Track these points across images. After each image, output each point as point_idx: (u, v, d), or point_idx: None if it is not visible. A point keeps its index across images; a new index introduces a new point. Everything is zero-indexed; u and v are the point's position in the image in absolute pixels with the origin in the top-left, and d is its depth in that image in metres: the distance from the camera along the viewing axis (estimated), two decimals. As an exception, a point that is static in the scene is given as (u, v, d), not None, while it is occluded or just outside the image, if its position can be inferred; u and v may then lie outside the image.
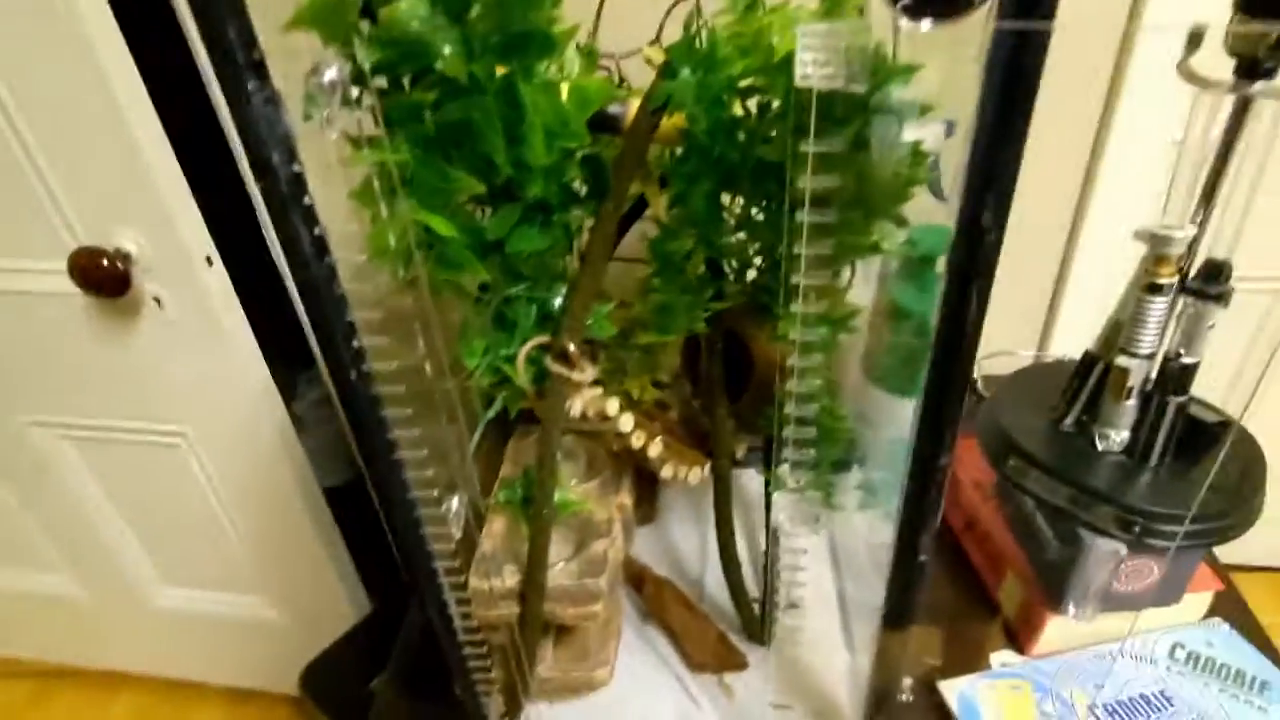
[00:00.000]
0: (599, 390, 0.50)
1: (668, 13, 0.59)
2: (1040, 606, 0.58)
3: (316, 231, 0.32)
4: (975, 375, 0.87)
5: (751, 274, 0.53)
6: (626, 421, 0.51)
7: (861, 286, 0.61)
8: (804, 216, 0.31)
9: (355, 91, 0.31)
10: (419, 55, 0.34)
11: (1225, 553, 0.61)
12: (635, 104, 0.46)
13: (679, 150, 0.44)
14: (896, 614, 0.42)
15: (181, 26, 0.79)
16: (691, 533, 0.73)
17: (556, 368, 0.45)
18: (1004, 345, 0.95)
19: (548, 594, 0.50)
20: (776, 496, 0.40)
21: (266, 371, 0.99)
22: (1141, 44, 0.75)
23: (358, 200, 0.36)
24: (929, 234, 0.56)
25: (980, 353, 0.87)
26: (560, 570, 0.52)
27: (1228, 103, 0.44)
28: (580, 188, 0.46)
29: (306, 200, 0.31)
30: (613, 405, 0.50)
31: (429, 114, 0.37)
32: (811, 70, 0.26)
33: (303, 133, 0.32)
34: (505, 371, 0.48)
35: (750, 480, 0.77)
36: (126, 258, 0.83)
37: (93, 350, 0.95)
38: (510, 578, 0.51)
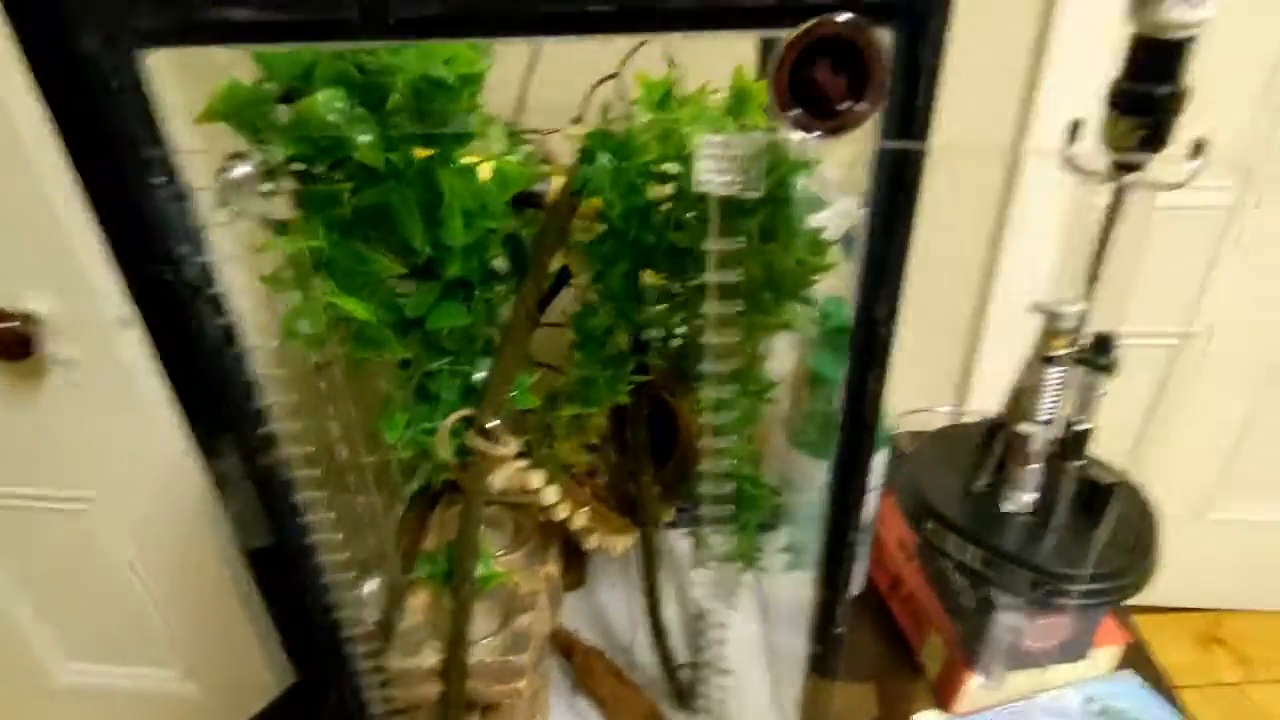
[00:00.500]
0: (522, 463, 0.50)
1: (590, 91, 0.61)
2: (961, 666, 0.59)
3: (222, 321, 0.32)
4: (897, 431, 0.90)
5: (675, 342, 0.55)
6: (551, 494, 0.51)
7: (785, 355, 0.64)
8: (709, 308, 0.32)
9: (268, 186, 0.31)
10: (335, 146, 0.34)
11: (1140, 596, 0.64)
12: (557, 181, 0.48)
13: (598, 230, 0.45)
14: (819, 671, 0.43)
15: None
16: (621, 597, 0.72)
17: (478, 444, 0.45)
18: (924, 401, 0.99)
19: (470, 671, 0.49)
20: (694, 573, 0.41)
21: (182, 437, 0.95)
22: (1036, 132, 0.81)
23: (270, 285, 0.35)
24: (842, 306, 0.59)
25: (900, 409, 0.90)
26: (483, 646, 0.51)
27: (1107, 190, 0.47)
28: (501, 265, 0.46)
29: (215, 290, 0.31)
30: (536, 479, 0.50)
31: (346, 200, 0.37)
32: (712, 178, 0.28)
33: (213, 222, 0.31)
34: (427, 446, 0.48)
35: (679, 541, 0.77)
36: (29, 319, 0.80)
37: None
38: (432, 656, 0.49)
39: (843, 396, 0.34)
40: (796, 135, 0.27)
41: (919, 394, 1.00)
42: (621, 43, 0.63)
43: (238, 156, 0.30)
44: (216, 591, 1.09)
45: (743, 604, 0.71)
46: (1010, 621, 0.54)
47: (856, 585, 0.72)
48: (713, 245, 0.30)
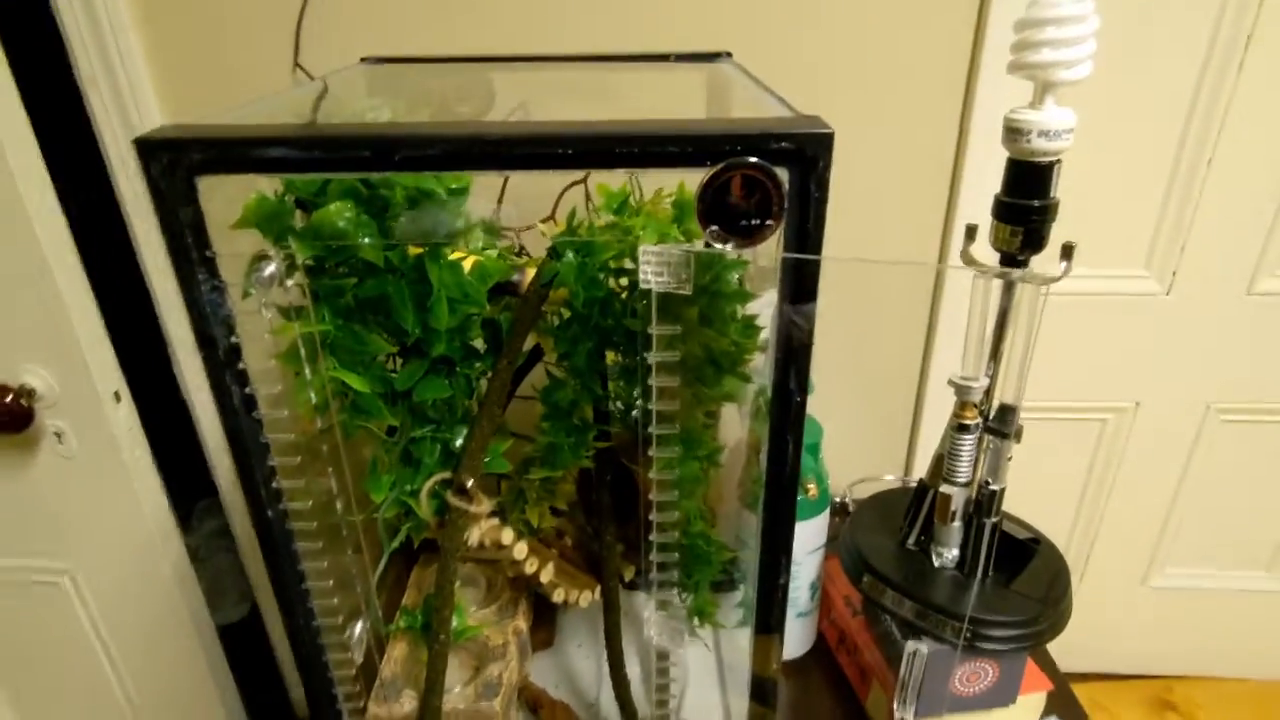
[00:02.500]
0: (495, 521, 0.55)
1: (561, 195, 0.69)
2: (901, 715, 0.64)
3: (247, 390, 0.38)
4: (846, 499, 0.96)
5: (635, 412, 0.61)
6: (520, 550, 0.56)
7: (736, 425, 0.70)
8: (653, 381, 0.39)
9: (289, 282, 0.38)
10: (343, 248, 0.41)
11: (1083, 662, 0.69)
12: (531, 272, 0.55)
13: (564, 315, 0.53)
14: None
15: (109, 168, 0.84)
16: (589, 655, 0.76)
17: (455, 501, 0.50)
18: (872, 471, 1.06)
19: (444, 718, 0.53)
20: (647, 613, 0.46)
21: (165, 502, 0.99)
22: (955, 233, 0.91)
23: (283, 362, 0.42)
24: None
25: (851, 479, 0.97)
26: (457, 694, 0.55)
27: (998, 283, 0.56)
28: (480, 345, 0.53)
29: (240, 365, 0.37)
30: (507, 535, 0.55)
31: (350, 292, 0.44)
32: (651, 278, 0.35)
33: (240, 308, 0.38)
34: (410, 505, 0.53)
35: (644, 604, 0.81)
36: (31, 394, 0.84)
37: (-20, 486, 0.93)
38: (408, 703, 0.53)
39: (765, 463, 0.41)
40: (716, 246, 0.35)
41: (870, 467, 1.07)
42: (588, 152, 0.72)
43: (264, 258, 0.37)
44: (185, 663, 1.10)
45: (699, 661, 0.75)
46: (932, 664, 0.59)
47: (806, 641, 0.77)
48: (654, 330, 0.37)
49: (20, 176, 0.77)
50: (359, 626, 0.46)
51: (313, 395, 0.42)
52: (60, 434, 0.88)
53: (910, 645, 0.55)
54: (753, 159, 0.33)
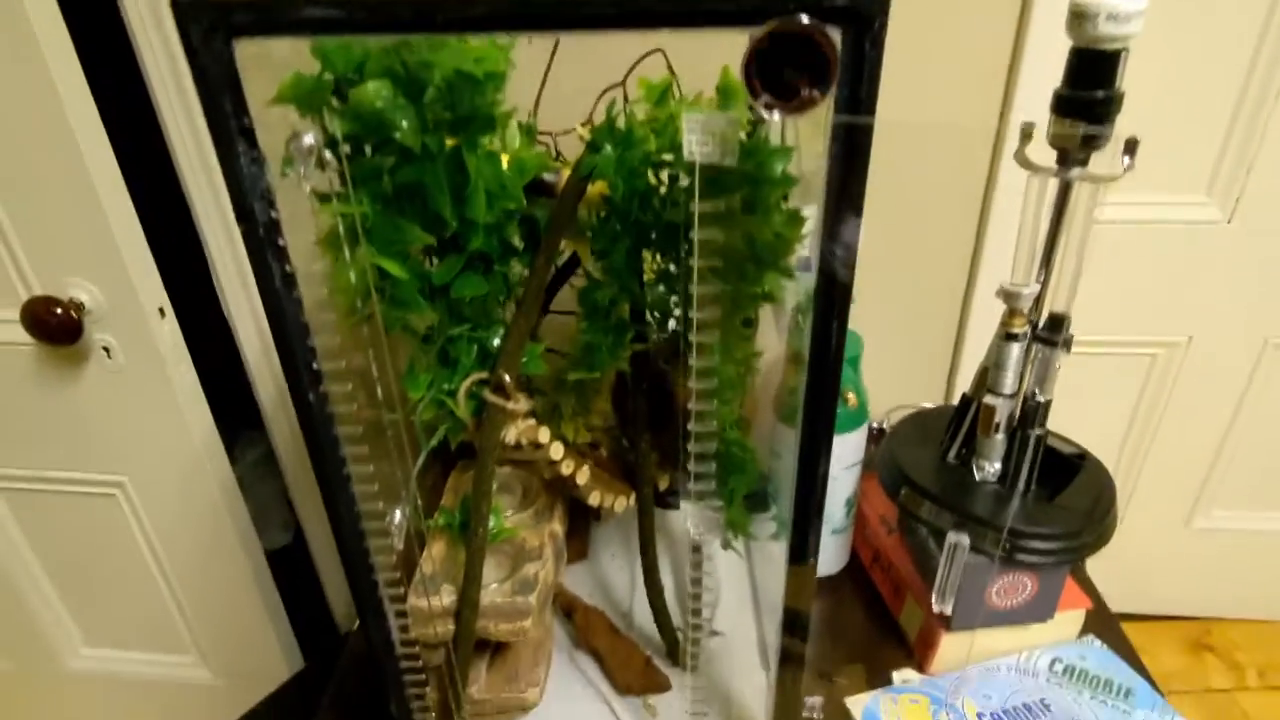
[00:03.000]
0: (532, 421, 0.55)
1: (598, 99, 0.67)
2: (935, 626, 0.64)
3: (287, 269, 0.38)
4: (883, 425, 0.95)
5: (672, 322, 0.60)
6: (556, 449, 0.57)
7: (774, 340, 0.69)
8: (694, 260, 0.38)
9: (327, 155, 0.37)
10: (380, 128, 0.40)
11: (1121, 604, 0.68)
12: (567, 173, 0.54)
13: (603, 213, 0.52)
14: (799, 553, 0.47)
15: (148, 85, 0.84)
16: (622, 568, 0.77)
17: (493, 398, 0.51)
18: (911, 401, 1.04)
19: (481, 611, 0.54)
20: (685, 505, 0.46)
21: (212, 424, 1.01)
22: (1009, 139, 0.88)
23: (323, 246, 0.41)
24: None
25: (888, 407, 0.96)
26: (494, 590, 0.56)
27: (1055, 184, 0.53)
28: (518, 243, 0.52)
29: (280, 242, 0.37)
30: (544, 433, 0.55)
31: (387, 177, 0.43)
32: (695, 149, 0.34)
33: (279, 188, 0.38)
34: (447, 404, 0.53)
35: (676, 521, 0.82)
36: (80, 307, 0.86)
37: (32, 398, 0.96)
38: (447, 596, 0.55)
39: (810, 344, 0.40)
40: (766, 114, 0.33)
41: (909, 395, 1.06)
42: (628, 54, 0.70)
43: (300, 134, 0.36)
44: (233, 580, 1.14)
45: (733, 574, 0.76)
46: (969, 576, 0.59)
47: (840, 559, 0.77)
48: (696, 207, 0.36)
49: (65, 93, 0.78)
50: (398, 513, 0.46)
51: (352, 276, 0.42)
52: (108, 348, 0.91)
53: (951, 537, 0.55)
54: (805, 17, 0.31)
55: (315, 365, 0.41)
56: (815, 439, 0.41)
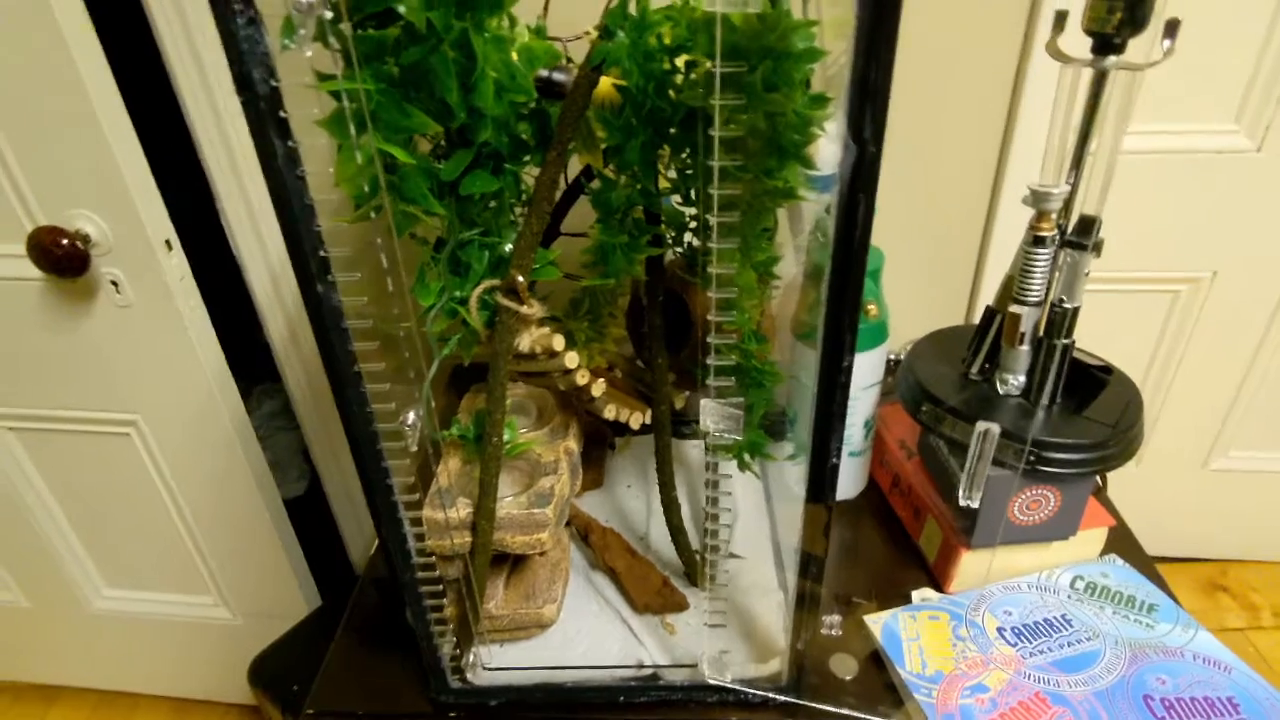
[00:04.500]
0: (545, 329, 0.54)
1: (608, 5, 0.65)
2: (955, 545, 0.63)
3: (290, 144, 0.36)
4: (903, 357, 0.94)
5: (688, 237, 0.59)
6: (571, 358, 0.55)
7: (791, 260, 0.67)
8: (716, 130, 0.36)
9: (328, 15, 0.35)
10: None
11: (1148, 545, 0.68)
12: (575, 71, 0.52)
13: (617, 108, 0.50)
14: (817, 490, 0.46)
15: (149, 13, 0.82)
16: (639, 494, 0.77)
17: (505, 302, 0.49)
18: (932, 327, 1.02)
19: (497, 523, 0.54)
20: (704, 403, 0.45)
21: (223, 360, 1.01)
22: (1039, 32, 0.84)
23: (326, 127, 0.40)
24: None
25: (906, 339, 0.93)
26: (509, 502, 0.55)
27: (1088, 76, 0.51)
28: (528, 141, 0.51)
29: (281, 114, 0.36)
30: (559, 340, 0.54)
31: (391, 58, 0.42)
32: (717, -2, 0.32)
33: (280, 60, 0.36)
34: (459, 313, 0.52)
35: (693, 450, 0.81)
36: (86, 239, 0.85)
37: (43, 336, 0.95)
38: (463, 509, 0.54)
39: (835, 225, 0.38)
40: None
41: (929, 324, 1.04)
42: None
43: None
44: (250, 521, 1.14)
45: (750, 497, 0.75)
46: (991, 490, 0.58)
47: (859, 483, 0.76)
48: (717, 67, 0.34)
49: (65, 22, 0.75)
50: (412, 414, 0.45)
51: (359, 157, 0.40)
52: (117, 283, 0.90)
53: (980, 425, 0.53)
54: None
55: (323, 252, 0.39)
56: (839, 332, 0.40)
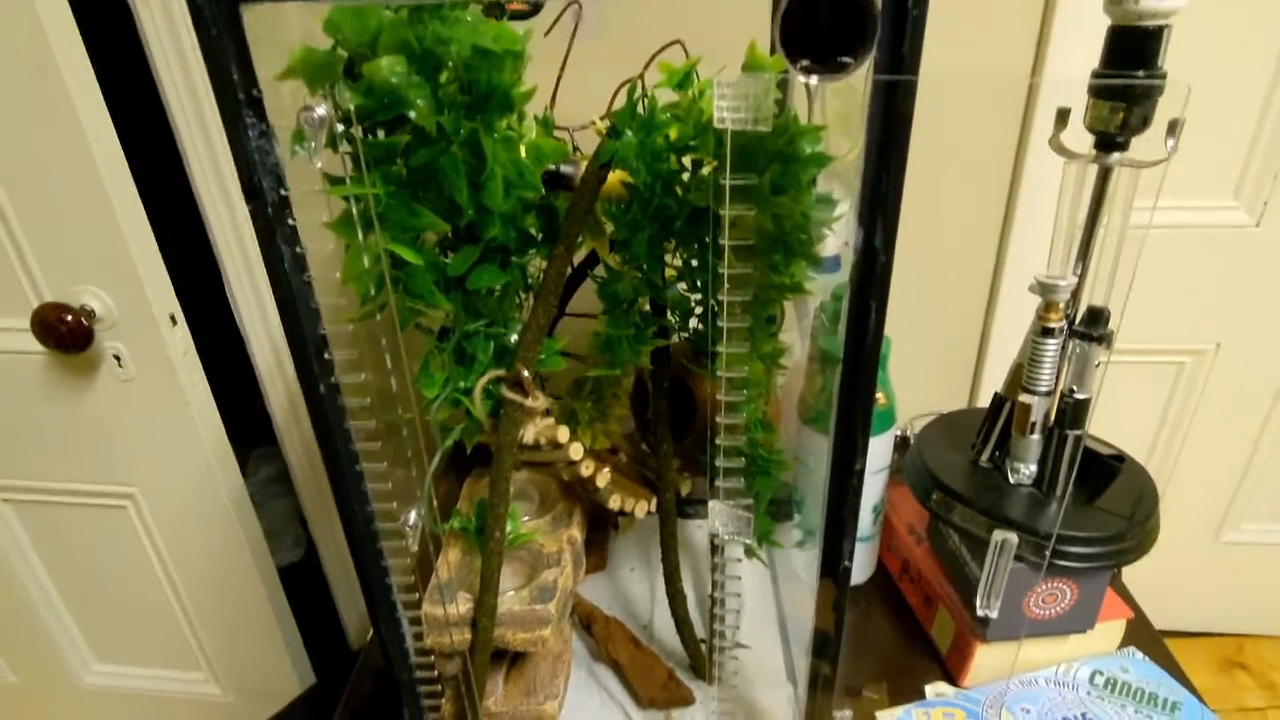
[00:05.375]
0: (550, 420, 0.53)
1: (615, 92, 0.66)
2: (969, 637, 0.61)
3: (297, 250, 0.36)
4: (907, 434, 0.93)
5: (693, 322, 0.59)
6: (576, 449, 0.54)
7: (797, 343, 0.67)
8: (725, 239, 0.36)
9: (340, 127, 0.36)
10: (394, 105, 0.39)
11: (1161, 620, 0.66)
12: (585, 165, 0.52)
13: (623, 203, 0.50)
14: (831, 566, 0.44)
15: (161, 91, 0.84)
16: (642, 580, 0.75)
17: (510, 395, 0.49)
18: (934, 408, 1.01)
19: (498, 619, 0.52)
20: (712, 504, 0.44)
21: (224, 434, 1.00)
22: (1037, 125, 0.86)
23: (335, 230, 0.40)
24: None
25: (910, 415, 0.93)
26: (511, 597, 0.54)
27: (1093, 171, 0.51)
28: (536, 234, 0.51)
29: (290, 221, 0.36)
30: (563, 432, 0.53)
31: (400, 160, 0.42)
32: (725, 114, 0.32)
33: (289, 167, 0.36)
34: (463, 403, 0.51)
35: (698, 531, 0.80)
36: (91, 315, 0.85)
37: (44, 409, 0.95)
38: (463, 604, 0.52)
39: (846, 331, 0.38)
40: (804, 78, 0.31)
41: (933, 401, 1.03)
42: (645, 47, 0.68)
43: (312, 106, 0.35)
44: (245, 595, 1.12)
45: (755, 585, 0.73)
46: (1007, 583, 0.56)
47: (867, 569, 0.74)
48: (727, 180, 0.34)
49: (77, 98, 0.77)
50: (414, 514, 0.44)
51: (366, 261, 0.40)
52: (119, 357, 0.90)
53: (998, 535, 0.52)
54: (842, -27, 0.30)
55: (327, 355, 0.39)
56: (850, 434, 0.39)
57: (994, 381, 1.02)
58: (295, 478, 1.16)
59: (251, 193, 0.34)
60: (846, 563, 0.44)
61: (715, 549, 0.56)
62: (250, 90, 0.33)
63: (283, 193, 0.35)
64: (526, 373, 0.48)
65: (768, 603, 0.72)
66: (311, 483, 1.15)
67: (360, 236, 0.40)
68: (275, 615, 1.13)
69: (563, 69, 0.67)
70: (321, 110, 0.34)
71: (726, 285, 0.38)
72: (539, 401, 0.49)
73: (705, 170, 0.46)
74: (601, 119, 0.64)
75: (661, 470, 0.59)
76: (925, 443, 0.65)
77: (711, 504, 0.43)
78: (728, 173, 0.34)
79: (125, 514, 1.04)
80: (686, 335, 0.58)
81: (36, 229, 0.84)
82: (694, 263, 0.52)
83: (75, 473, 1.01)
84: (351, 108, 0.36)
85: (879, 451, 0.67)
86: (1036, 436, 0.57)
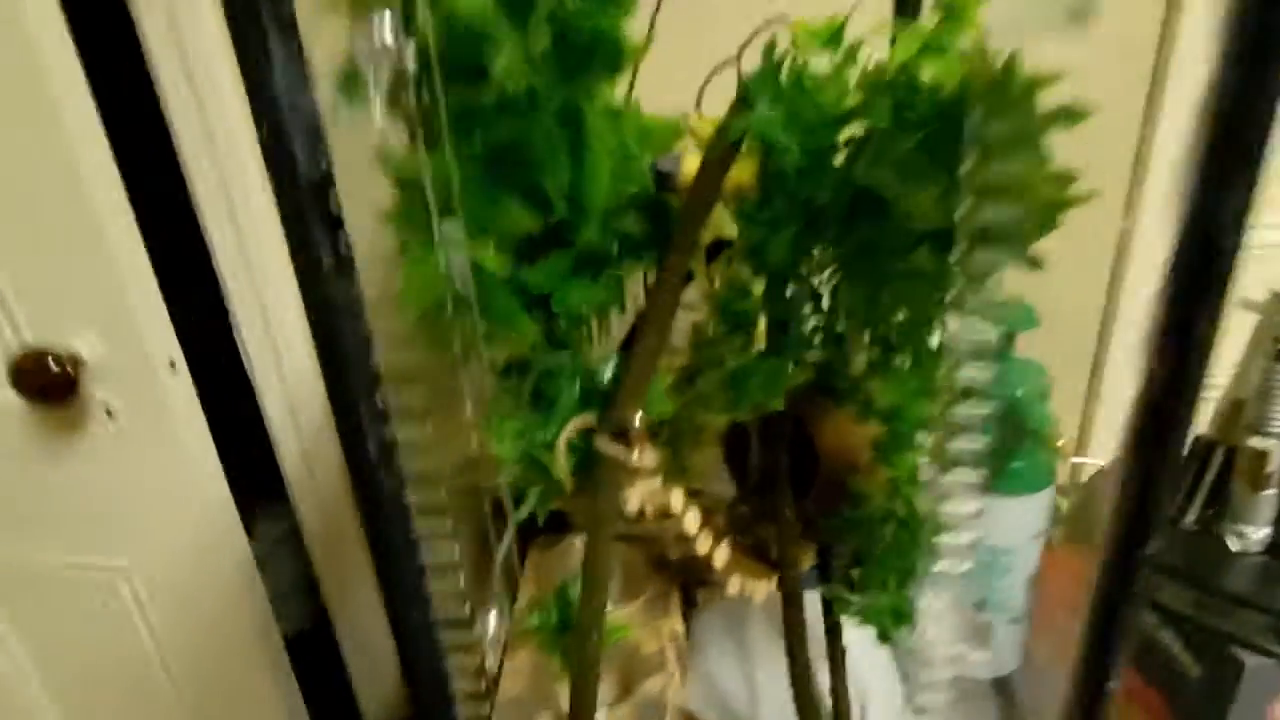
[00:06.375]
0: (657, 482, 0.41)
1: (706, 81, 0.55)
2: (1178, 751, 0.48)
3: (342, 249, 0.25)
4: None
5: (815, 354, 0.47)
6: (692, 520, 0.42)
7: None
8: (963, 208, 0.24)
9: (409, 63, 0.24)
10: (475, 46, 0.27)
11: None
12: (689, 160, 0.41)
13: (751, 197, 0.38)
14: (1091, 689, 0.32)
15: (164, 111, 0.74)
16: (731, 668, 0.61)
17: (611, 450, 0.36)
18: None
19: (592, 751, 0.39)
20: (923, 604, 0.32)
21: (228, 496, 0.88)
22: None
23: (396, 224, 0.28)
24: (1011, 310, 0.51)
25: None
26: (611, 715, 0.41)
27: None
28: (641, 239, 0.39)
29: (333, 206, 0.24)
30: (677, 499, 0.41)
31: (478, 133, 0.31)
32: (1013, 17, 0.20)
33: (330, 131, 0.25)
34: (540, 460, 0.39)
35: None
36: (76, 361, 0.74)
37: (25, 469, 0.83)
38: (542, 731, 0.39)
39: (1143, 371, 0.26)
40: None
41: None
42: (738, 33, 0.58)
43: (372, 18, 0.23)
44: (249, 680, 0.98)
45: (872, 664, 0.60)
46: (1257, 684, 0.43)
47: (1016, 656, 0.61)
48: (974, 124, 0.23)
49: (70, 119, 0.67)
50: (492, 619, 0.32)
51: (438, 260, 0.28)
52: (110, 410, 0.78)
53: (1249, 660, 0.39)
54: None
55: (379, 401, 0.27)
56: (1143, 505, 0.27)
57: (1110, 419, 0.90)
58: (308, 538, 1.03)
59: (279, 159, 0.23)
60: (1112, 683, 0.31)
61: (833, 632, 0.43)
62: (279, 6, 0.21)
63: (322, 162, 0.23)
64: (635, 421, 0.36)
65: (889, 690, 0.59)
66: (325, 544, 1.02)
67: (432, 232, 0.28)
68: (285, 703, 1.00)
69: (646, 45, 0.56)
70: (387, 29, 0.23)
71: (958, 285, 0.26)
72: (649, 458, 0.37)
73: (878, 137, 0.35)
74: (696, 113, 0.53)
75: (784, 542, 0.47)
76: (1103, 499, 0.52)
77: (923, 606, 0.31)
78: (974, 121, 0.22)
79: (115, 589, 0.91)
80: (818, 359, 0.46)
81: (15, 261, 0.73)
82: (838, 272, 0.40)
83: (58, 542, 0.88)
84: (430, 35, 0.25)
85: (1038, 510, 0.54)
86: (1273, 491, 0.44)
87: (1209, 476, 0.47)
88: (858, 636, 0.51)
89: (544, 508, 0.43)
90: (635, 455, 0.37)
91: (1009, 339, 0.52)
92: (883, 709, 0.57)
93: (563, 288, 0.36)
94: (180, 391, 0.79)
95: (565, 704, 0.44)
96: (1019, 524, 0.54)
